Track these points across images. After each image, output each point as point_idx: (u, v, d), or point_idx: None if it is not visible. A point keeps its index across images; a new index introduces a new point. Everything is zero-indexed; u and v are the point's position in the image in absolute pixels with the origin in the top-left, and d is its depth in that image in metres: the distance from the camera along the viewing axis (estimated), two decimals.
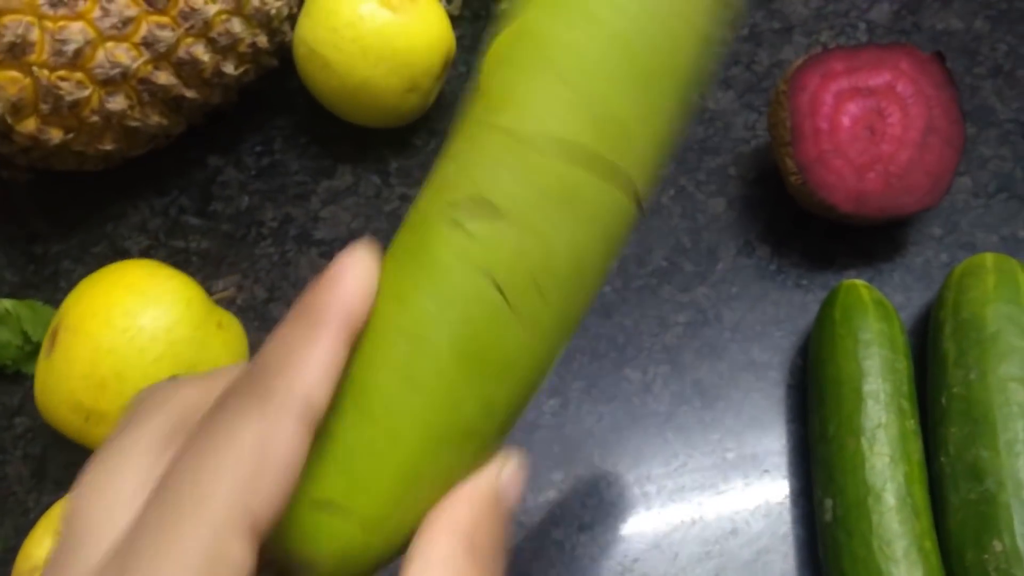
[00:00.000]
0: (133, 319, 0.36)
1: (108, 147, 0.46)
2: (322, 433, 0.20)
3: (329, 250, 0.49)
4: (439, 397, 0.20)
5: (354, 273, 0.20)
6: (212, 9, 0.45)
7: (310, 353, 0.19)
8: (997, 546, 0.34)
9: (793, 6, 0.55)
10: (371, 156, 0.52)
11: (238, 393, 0.19)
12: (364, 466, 0.20)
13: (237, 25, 0.47)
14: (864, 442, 0.37)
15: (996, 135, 0.50)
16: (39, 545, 0.33)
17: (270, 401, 0.19)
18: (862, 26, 0.54)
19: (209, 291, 0.42)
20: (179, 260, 0.49)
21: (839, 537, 0.36)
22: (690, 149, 0.51)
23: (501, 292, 0.20)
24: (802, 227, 0.48)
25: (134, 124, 0.46)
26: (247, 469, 0.18)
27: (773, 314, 0.46)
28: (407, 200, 0.50)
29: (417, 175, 0.51)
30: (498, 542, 0.21)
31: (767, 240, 0.48)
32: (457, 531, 0.20)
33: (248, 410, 0.19)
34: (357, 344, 0.20)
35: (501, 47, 0.22)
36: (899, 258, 0.47)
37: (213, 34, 0.46)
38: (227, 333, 0.39)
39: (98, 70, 0.43)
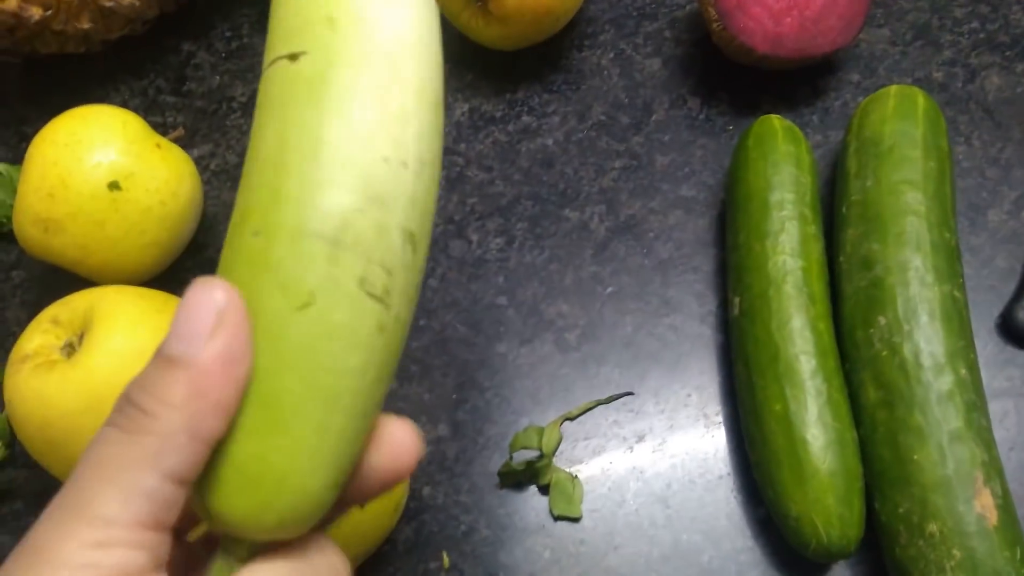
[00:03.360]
0: (73, 135, 0.42)
1: (86, 26, 0.50)
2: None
3: None
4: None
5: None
6: None
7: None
8: (881, 321, 0.38)
9: None
10: None
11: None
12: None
13: None
14: (768, 244, 0.41)
15: None
16: (29, 341, 0.37)
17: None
18: None
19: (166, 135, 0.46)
20: (158, 133, 0.53)
21: (744, 326, 0.40)
22: (629, 16, 0.54)
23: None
24: (731, 80, 0.51)
25: (108, 4, 0.50)
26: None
27: (701, 157, 0.50)
28: None
29: None
30: None
31: (698, 93, 0.52)
32: None
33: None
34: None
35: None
36: (819, 103, 0.51)
37: None
38: (166, 152, 0.44)
39: None
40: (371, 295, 0.22)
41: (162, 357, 0.22)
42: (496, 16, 0.48)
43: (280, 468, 0.22)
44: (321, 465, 0.22)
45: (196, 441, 0.21)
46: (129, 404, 0.22)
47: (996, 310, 0.44)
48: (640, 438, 0.42)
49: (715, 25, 0.48)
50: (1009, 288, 0.44)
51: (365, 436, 0.23)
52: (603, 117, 0.51)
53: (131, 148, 0.42)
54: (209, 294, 0.22)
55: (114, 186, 0.42)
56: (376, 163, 0.23)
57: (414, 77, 0.24)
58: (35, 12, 0.48)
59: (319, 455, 0.22)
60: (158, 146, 0.44)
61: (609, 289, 0.46)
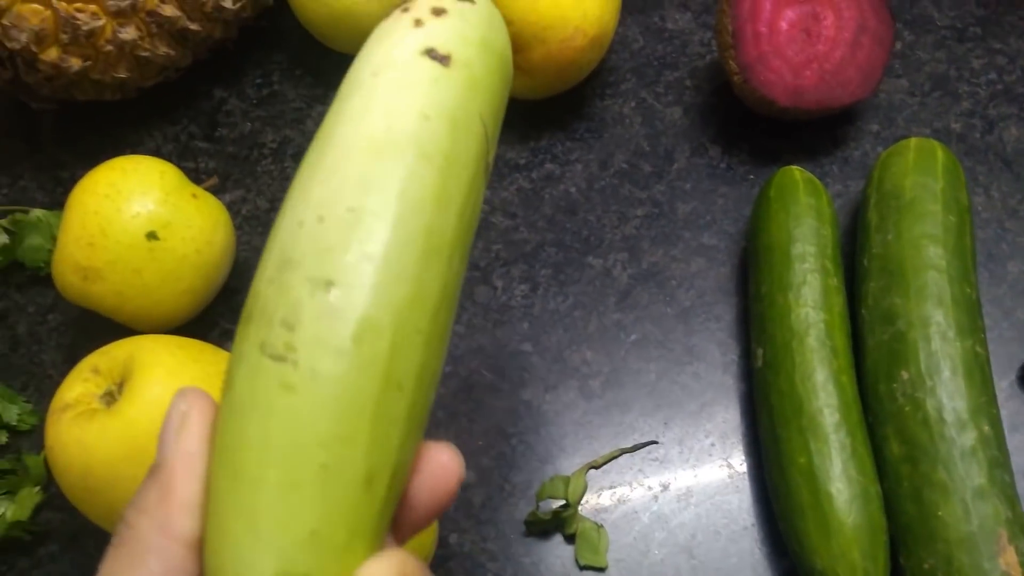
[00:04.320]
0: (112, 186, 0.43)
1: (123, 75, 0.52)
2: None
3: None
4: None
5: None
6: None
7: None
8: (904, 375, 0.39)
9: None
10: None
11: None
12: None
13: None
14: (791, 296, 0.42)
15: (933, 40, 0.54)
16: (70, 389, 0.38)
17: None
18: None
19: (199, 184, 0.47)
20: (190, 179, 0.54)
21: (767, 377, 0.41)
22: (650, 65, 0.56)
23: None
24: (751, 129, 0.52)
25: (145, 54, 0.51)
26: None
27: (722, 205, 0.50)
28: None
29: None
30: None
31: (718, 142, 0.53)
32: None
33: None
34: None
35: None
36: (839, 152, 0.51)
37: None
38: (201, 203, 0.45)
39: (110, 2, 0.48)
40: (271, 356, 0.21)
41: (147, 472, 0.23)
42: (522, 68, 0.49)
43: (217, 565, 0.21)
44: (249, 553, 0.20)
45: (171, 541, 0.21)
46: (119, 522, 0.22)
47: (1017, 362, 0.44)
48: (665, 487, 0.43)
49: (736, 77, 0.49)
50: None
51: (324, 509, 0.20)
52: (625, 165, 0.52)
53: (168, 199, 0.44)
54: (177, 403, 0.23)
55: (152, 236, 0.43)
56: (291, 230, 0.22)
57: (342, 143, 0.23)
58: (75, 63, 0.49)
59: (243, 542, 0.20)
60: (194, 196, 0.45)
61: (632, 336, 0.47)
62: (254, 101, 0.57)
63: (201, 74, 0.57)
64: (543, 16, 0.47)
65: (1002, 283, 0.46)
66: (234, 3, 0.53)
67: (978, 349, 0.39)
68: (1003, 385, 0.43)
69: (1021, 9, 0.55)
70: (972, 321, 0.40)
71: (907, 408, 0.38)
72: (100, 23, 0.49)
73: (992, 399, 0.38)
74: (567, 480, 0.42)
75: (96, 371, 0.39)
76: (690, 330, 0.47)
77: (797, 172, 0.46)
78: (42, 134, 0.57)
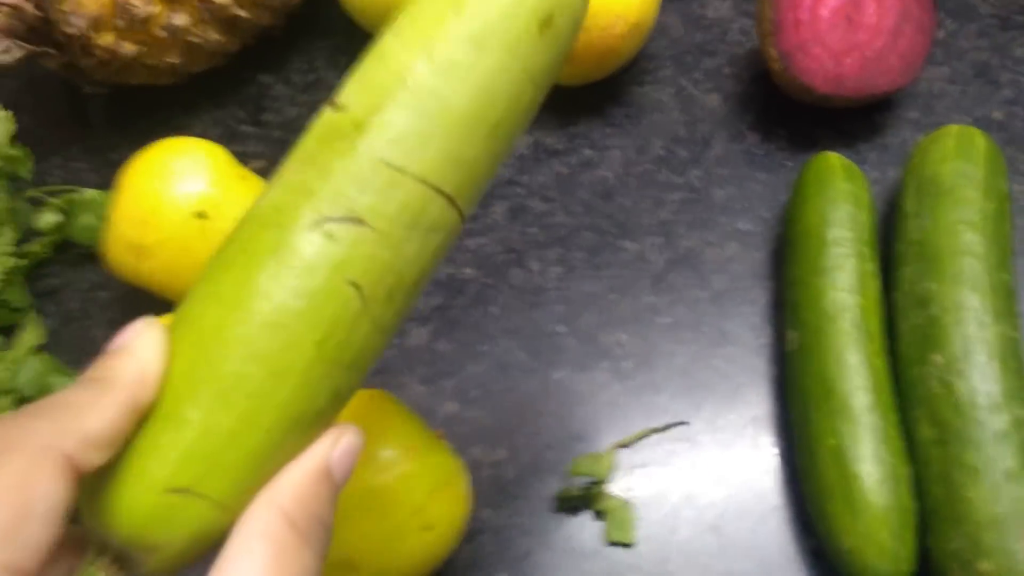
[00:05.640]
0: (163, 166, 0.45)
1: (174, 61, 0.53)
2: (171, 420, 0.22)
3: None
4: (299, 386, 0.22)
5: (144, 344, 0.23)
6: None
7: (88, 414, 0.21)
8: (938, 359, 0.39)
9: None
10: None
11: (13, 424, 0.21)
12: (221, 452, 0.22)
13: None
14: (826, 280, 0.42)
15: (976, 29, 0.54)
16: None
17: (33, 445, 0.20)
18: None
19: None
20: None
21: (800, 360, 0.41)
22: (689, 52, 0.56)
23: (361, 295, 0.23)
24: (790, 116, 0.53)
25: (196, 40, 0.53)
26: (4, 517, 0.19)
27: (759, 191, 0.51)
28: None
29: None
30: (322, 514, 0.22)
31: (757, 128, 0.53)
32: (279, 505, 0.21)
33: (16, 444, 0.20)
34: (215, 332, 0.23)
35: (367, 73, 0.26)
36: (878, 139, 0.51)
37: None
38: (250, 184, 0.46)
39: None
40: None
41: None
42: None
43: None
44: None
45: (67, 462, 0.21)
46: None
47: None
48: (694, 467, 0.43)
49: (775, 64, 0.49)
50: None
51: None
52: (662, 151, 0.53)
53: (219, 179, 0.45)
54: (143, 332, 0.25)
55: (202, 215, 0.44)
56: None
57: None
58: (129, 48, 0.51)
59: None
60: (243, 177, 0.46)
61: (666, 319, 0.47)
62: (299, 87, 0.59)
63: (248, 60, 0.59)
64: None
65: None
66: None
67: (1013, 335, 0.39)
68: None
69: None
70: (1008, 307, 0.40)
71: (939, 391, 0.38)
72: (154, 9, 0.50)
73: None
74: (598, 458, 0.43)
75: None
76: (723, 314, 0.47)
77: (834, 158, 0.46)
78: (93, 117, 0.59)
